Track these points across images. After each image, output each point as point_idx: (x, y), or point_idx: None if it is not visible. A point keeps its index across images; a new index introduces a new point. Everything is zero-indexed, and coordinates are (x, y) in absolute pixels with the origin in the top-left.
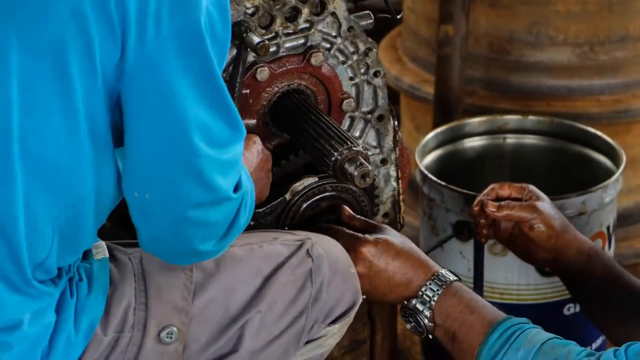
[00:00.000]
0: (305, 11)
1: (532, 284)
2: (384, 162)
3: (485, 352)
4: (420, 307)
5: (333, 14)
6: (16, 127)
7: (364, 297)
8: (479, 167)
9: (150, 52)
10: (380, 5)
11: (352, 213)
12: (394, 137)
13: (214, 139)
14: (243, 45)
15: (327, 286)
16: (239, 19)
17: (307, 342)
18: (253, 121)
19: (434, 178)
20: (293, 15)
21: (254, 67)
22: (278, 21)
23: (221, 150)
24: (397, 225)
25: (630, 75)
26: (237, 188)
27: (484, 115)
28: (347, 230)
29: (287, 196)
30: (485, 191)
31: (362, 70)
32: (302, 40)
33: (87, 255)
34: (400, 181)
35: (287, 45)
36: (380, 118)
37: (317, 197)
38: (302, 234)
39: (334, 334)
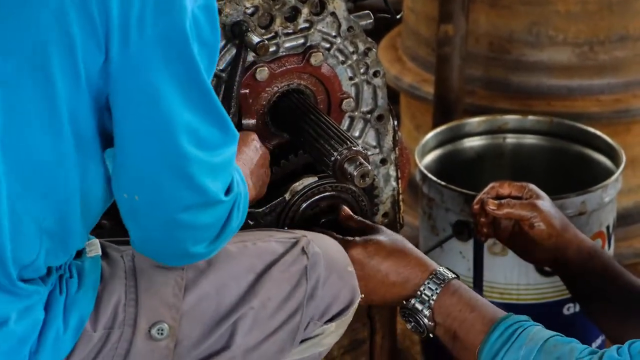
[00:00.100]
0: (305, 11)
1: (531, 284)
2: (383, 161)
3: (486, 351)
4: (419, 306)
5: (333, 13)
6: None
7: (362, 295)
8: (478, 166)
9: (134, 55)
10: (379, 5)
11: (350, 213)
12: (394, 136)
13: (203, 141)
14: (242, 45)
15: (323, 284)
16: (238, 19)
17: (304, 341)
18: (252, 121)
19: (434, 178)
20: (293, 15)
21: (254, 67)
22: (278, 21)
23: (211, 153)
24: (396, 225)
25: (630, 75)
26: (228, 191)
27: (483, 115)
28: (336, 235)
29: (287, 196)
30: (486, 190)
31: (361, 70)
32: (301, 40)
33: (81, 253)
34: (399, 181)
35: (287, 45)
36: (379, 118)
37: (317, 197)
38: (298, 232)
39: (332, 333)
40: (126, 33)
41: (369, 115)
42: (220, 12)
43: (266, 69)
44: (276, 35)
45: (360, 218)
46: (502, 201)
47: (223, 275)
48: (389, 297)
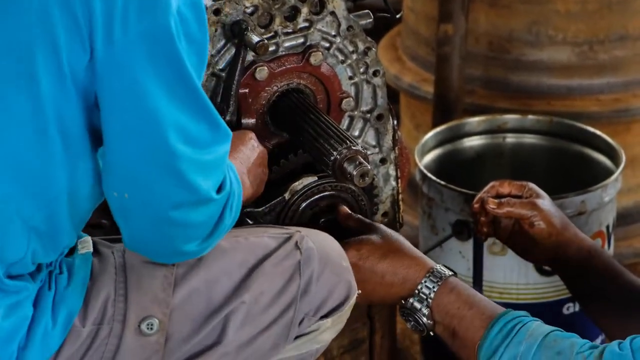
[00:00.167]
0: (305, 10)
1: (531, 283)
2: (383, 161)
3: (486, 347)
4: (418, 305)
5: (332, 13)
6: None
7: (359, 291)
8: (478, 166)
9: (118, 54)
10: (379, 5)
11: (348, 212)
12: (393, 136)
13: (193, 139)
14: (242, 44)
15: (317, 279)
16: (238, 18)
17: (300, 337)
18: (252, 120)
19: (434, 177)
20: (292, 15)
21: (253, 67)
22: (277, 20)
23: (202, 150)
24: (396, 224)
25: (629, 74)
26: (220, 189)
27: (483, 115)
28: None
29: (286, 195)
30: (486, 188)
31: (361, 70)
32: (301, 40)
33: (74, 250)
34: (399, 180)
35: (286, 44)
36: (379, 117)
37: (316, 196)
38: (292, 228)
39: (328, 329)
40: (110, 31)
41: (369, 115)
42: (219, 11)
43: (266, 68)
44: (276, 34)
45: (358, 216)
46: (502, 200)
47: (214, 269)
48: (387, 297)
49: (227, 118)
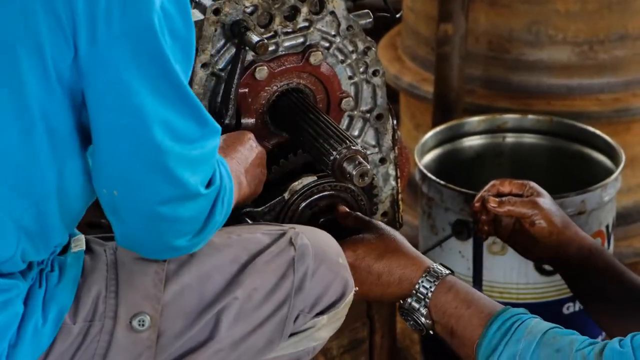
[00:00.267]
0: (304, 10)
1: (531, 283)
2: (382, 161)
3: (484, 346)
4: (416, 305)
5: (332, 13)
6: None
7: (356, 289)
8: (478, 166)
9: (102, 52)
10: (379, 4)
11: (347, 210)
12: (393, 136)
13: (179, 134)
14: (242, 44)
15: (312, 275)
16: (237, 18)
17: (295, 334)
18: (252, 120)
19: (433, 177)
20: (292, 14)
21: (253, 66)
22: (277, 20)
23: (189, 146)
24: (395, 224)
25: (629, 74)
26: (209, 184)
27: (483, 114)
28: None
29: (286, 195)
30: (486, 187)
31: (361, 69)
32: (301, 39)
33: (67, 248)
34: (399, 180)
35: (286, 44)
36: (379, 117)
37: (316, 196)
38: (287, 225)
39: (324, 326)
40: (93, 29)
41: (368, 115)
42: (219, 11)
43: (265, 68)
44: (275, 34)
45: (357, 214)
46: (503, 199)
47: (206, 266)
48: (385, 297)
49: (227, 118)
